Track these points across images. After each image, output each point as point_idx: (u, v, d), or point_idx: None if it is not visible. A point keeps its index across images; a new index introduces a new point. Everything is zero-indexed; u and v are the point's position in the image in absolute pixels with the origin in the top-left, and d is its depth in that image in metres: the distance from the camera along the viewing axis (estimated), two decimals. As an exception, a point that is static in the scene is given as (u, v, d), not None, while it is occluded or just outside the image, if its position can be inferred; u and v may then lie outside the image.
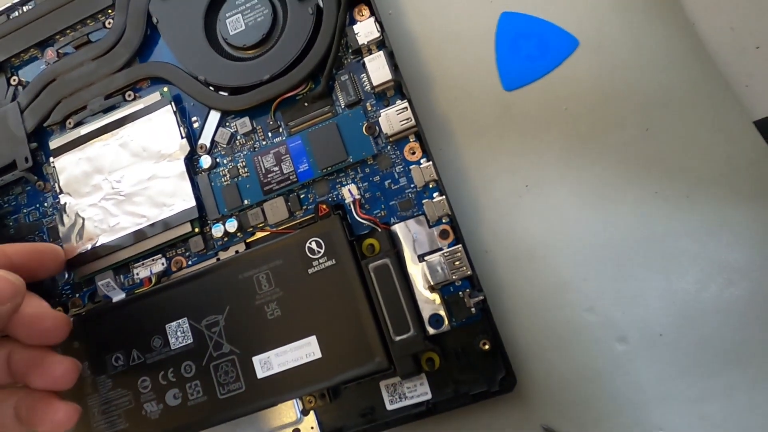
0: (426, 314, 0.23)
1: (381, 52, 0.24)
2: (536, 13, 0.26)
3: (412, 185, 0.24)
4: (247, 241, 0.26)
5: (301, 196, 0.25)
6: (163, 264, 0.26)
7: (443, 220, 0.23)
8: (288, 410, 0.25)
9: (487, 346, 0.22)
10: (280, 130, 0.26)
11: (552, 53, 0.25)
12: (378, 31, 0.24)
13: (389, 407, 0.24)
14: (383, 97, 0.25)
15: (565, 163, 0.24)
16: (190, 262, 0.26)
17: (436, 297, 0.23)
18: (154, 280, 0.26)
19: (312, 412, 0.24)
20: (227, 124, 0.26)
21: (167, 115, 0.26)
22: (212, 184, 0.26)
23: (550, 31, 0.26)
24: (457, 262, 0.23)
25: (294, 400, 0.25)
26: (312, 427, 0.24)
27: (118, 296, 0.26)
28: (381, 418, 0.24)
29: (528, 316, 0.23)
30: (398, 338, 0.23)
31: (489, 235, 0.24)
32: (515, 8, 0.26)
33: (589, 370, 0.22)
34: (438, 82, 0.26)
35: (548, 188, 0.24)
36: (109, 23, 0.28)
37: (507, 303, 0.24)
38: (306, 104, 0.25)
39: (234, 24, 0.26)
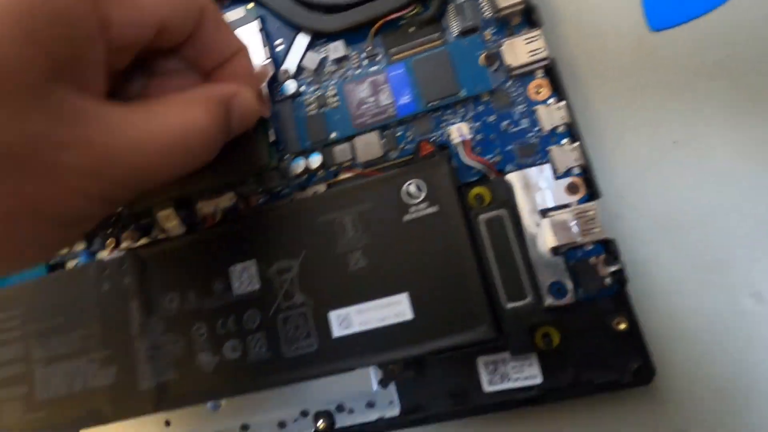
0: (545, 281, 0.19)
1: (513, -31, 0.20)
2: (696, -59, 0.22)
3: (535, 128, 0.20)
4: (329, 182, 0.22)
5: (398, 134, 0.22)
6: (231, 200, 0.23)
7: (574, 171, 0.20)
8: (363, 378, 0.21)
9: (623, 326, 0.18)
10: (378, 57, 0.22)
11: (714, -12, 0.21)
12: (508, -53, 0.21)
13: (487, 389, 0.20)
14: (506, 25, 0.21)
15: (727, 119, 0.20)
16: (261, 200, 0.23)
17: (559, 261, 0.19)
18: (219, 216, 0.23)
19: (392, 384, 0.21)
20: (316, 47, 0.23)
21: (252, 33, 0.23)
22: (295, 113, 0.23)
23: (713, -38, 0.21)
24: (589, 223, 0.19)
25: (372, 368, 0.21)
26: (390, 402, 0.20)
27: (177, 232, 0.23)
28: (476, 401, 0.20)
29: (670, 298, 0.19)
30: (510, 305, 0.19)
31: (622, 196, 0.20)
32: (670, -65, 0.22)
33: (747, 373, 0.18)
34: (566, 15, 0.22)
35: (703, 146, 0.20)
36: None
37: (642, 280, 0.19)
38: (412, 29, 0.22)
39: (337, -66, 0.23)
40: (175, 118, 0.15)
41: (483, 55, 0.21)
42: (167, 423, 0.23)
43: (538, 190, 0.20)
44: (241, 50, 0.18)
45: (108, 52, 0.14)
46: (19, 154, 0.12)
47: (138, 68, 0.17)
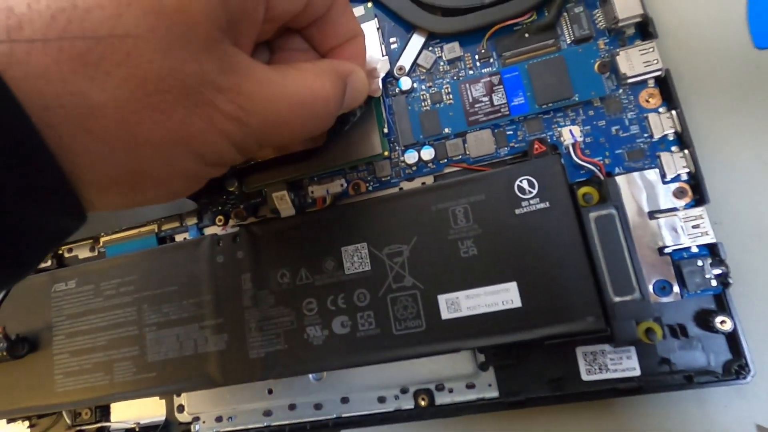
0: (651, 278, 0.20)
1: (631, -16, 0.22)
2: (805, -33, 0.23)
3: (645, 134, 0.21)
4: (436, 175, 0.24)
5: (509, 132, 0.23)
6: (342, 185, 0.24)
7: (681, 177, 0.21)
8: (464, 361, 0.22)
9: (726, 326, 0.19)
10: (491, 60, 0.24)
11: (822, 12, 0.22)
12: (627, -38, 0.22)
13: (585, 377, 0.21)
14: (620, 35, 0.22)
15: (831, 136, 0.21)
16: (370, 187, 0.24)
17: (665, 261, 0.20)
18: (329, 201, 0.24)
19: (491, 368, 0.22)
20: (431, 47, 0.25)
21: (370, 30, 0.25)
22: (409, 107, 0.24)
23: (821, -13, 0.22)
24: (697, 226, 0.20)
25: (473, 351, 0.22)
26: (489, 385, 0.22)
27: (288, 212, 0.25)
28: (573, 389, 0.21)
29: (760, 305, 0.20)
30: (618, 299, 0.20)
31: (722, 205, 0.21)
32: (778, -40, 0.23)
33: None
34: (672, 29, 0.23)
35: (807, 160, 0.21)
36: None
37: (739, 287, 0.20)
38: (527, 35, 0.23)
39: (457, -58, 0.24)
40: (307, 82, 0.17)
41: (598, 63, 0.22)
42: (270, 391, 0.25)
43: (645, 193, 0.21)
44: (359, 35, 0.20)
45: (263, 20, 0.16)
46: (189, 89, 0.13)
47: (265, 44, 0.19)
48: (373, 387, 0.23)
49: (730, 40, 0.23)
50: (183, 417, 0.26)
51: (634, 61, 0.21)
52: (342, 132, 0.23)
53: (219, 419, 0.25)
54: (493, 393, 0.22)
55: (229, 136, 0.15)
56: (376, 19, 0.25)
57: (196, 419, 0.26)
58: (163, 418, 0.27)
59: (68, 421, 0.27)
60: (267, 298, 0.24)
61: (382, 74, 0.24)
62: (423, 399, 0.22)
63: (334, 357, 0.22)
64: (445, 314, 0.21)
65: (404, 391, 0.23)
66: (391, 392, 0.23)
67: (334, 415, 0.24)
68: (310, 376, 0.24)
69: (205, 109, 0.14)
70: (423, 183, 0.24)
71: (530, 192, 0.21)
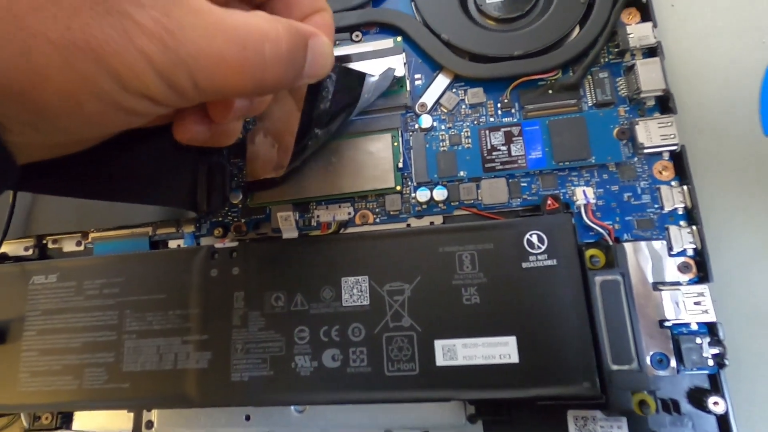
0: (649, 350, 0.20)
1: (657, 59, 0.22)
2: (817, 65, 0.24)
3: (656, 205, 0.22)
4: (445, 216, 0.24)
5: (522, 184, 0.23)
6: (349, 213, 0.24)
7: (687, 252, 0.21)
8: (453, 410, 0.22)
9: (719, 407, 0.19)
10: (513, 110, 0.24)
11: (830, 111, 0.23)
12: (654, 38, 0.23)
13: (574, 442, 0.21)
14: (640, 105, 0.23)
15: (831, 230, 0.22)
16: (377, 219, 0.24)
17: (665, 334, 0.20)
18: (333, 227, 0.24)
19: (480, 422, 0.21)
20: (455, 88, 0.25)
21: (397, 64, 0.25)
22: (427, 145, 0.24)
23: (831, 87, 0.24)
24: (698, 303, 0.20)
25: (463, 402, 0.22)
26: (476, 439, 0.21)
27: (290, 234, 0.24)
28: (561, 453, 0.21)
29: (751, 387, 0.20)
30: (616, 367, 0.20)
31: (718, 286, 0.22)
32: (793, 55, 0.24)
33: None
34: (687, 109, 0.24)
35: (807, 251, 0.21)
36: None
37: (731, 368, 0.21)
38: (550, 91, 0.24)
39: (493, -8, 0.25)
40: (255, 21, 0.15)
41: (617, 129, 0.22)
42: (247, 417, 0.23)
43: (651, 263, 0.21)
44: (325, 9, 0.19)
45: None
46: None
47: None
48: (356, 426, 0.22)
49: (742, 126, 0.24)
50: (149, 433, 0.25)
51: (652, 133, 0.22)
52: (318, 109, 0.20)
53: (189, 441, 0.24)
54: (479, 447, 0.21)
55: (150, 58, 0.13)
56: (404, 54, 0.25)
57: (163, 437, 0.25)
58: (129, 432, 0.25)
59: (25, 424, 0.26)
60: (258, 320, 0.23)
61: (387, 83, 0.24)
62: (406, 445, 0.22)
63: (320, 391, 0.22)
64: (440, 361, 0.21)
65: (387, 434, 0.22)
66: (374, 433, 0.22)
67: (311, 450, 0.23)
68: (292, 407, 0.23)
69: (119, 19, 0.12)
70: (431, 223, 0.24)
71: (539, 247, 0.21)
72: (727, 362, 0.19)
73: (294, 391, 0.22)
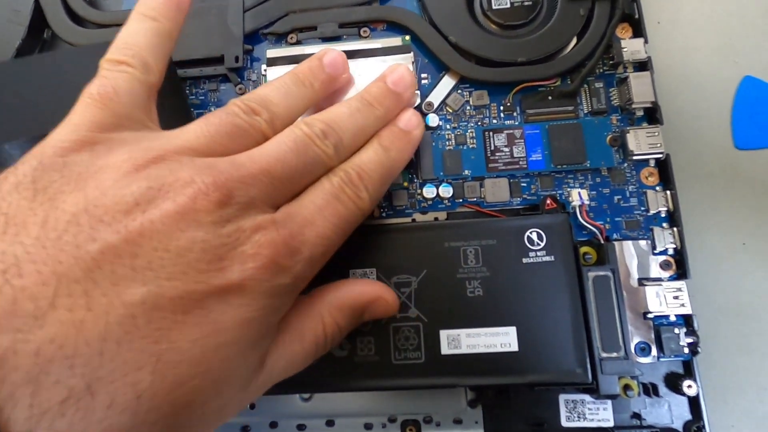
0: (634, 339, 0.22)
1: (648, 73, 0.24)
2: (780, 86, 0.27)
3: (642, 208, 0.24)
4: (449, 212, 0.25)
5: (523, 184, 0.24)
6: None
7: (669, 251, 0.23)
8: (454, 396, 0.23)
9: (692, 390, 0.22)
10: (515, 114, 0.25)
11: (789, 128, 0.26)
12: (645, 53, 0.25)
13: (565, 424, 0.22)
14: (630, 115, 0.25)
15: (788, 234, 0.24)
16: (384, 213, 0.25)
17: (648, 325, 0.22)
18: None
19: (480, 406, 0.23)
20: (460, 90, 0.26)
21: (405, 62, 0.25)
22: (433, 144, 0.25)
23: (791, 106, 0.26)
24: (677, 297, 0.22)
25: (464, 389, 0.23)
26: (476, 422, 0.23)
27: (296, 226, 0.24)
28: (553, 433, 0.22)
29: (722, 373, 0.23)
30: (605, 355, 0.22)
31: (694, 281, 0.24)
32: (760, 75, 0.27)
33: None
34: (673, 119, 0.26)
35: (766, 250, 0.24)
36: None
37: (702, 355, 0.23)
38: (550, 98, 0.25)
39: (499, 0, 0.26)
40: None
41: (610, 137, 0.24)
42: (252, 406, 0.24)
43: (636, 260, 0.23)
44: None
45: None
46: None
47: None
48: (361, 413, 0.23)
49: (717, 138, 0.26)
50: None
51: (641, 141, 0.24)
52: None
53: (190, 430, 0.24)
54: (479, 431, 0.23)
55: None
56: (412, 53, 0.26)
57: (160, 427, 0.25)
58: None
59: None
60: (265, 311, 0.23)
61: (412, 105, 0.25)
62: (411, 430, 0.23)
63: (329, 379, 0.22)
64: (445, 350, 0.22)
65: (392, 420, 0.23)
66: (378, 420, 0.23)
67: (315, 437, 0.24)
68: (298, 395, 0.24)
69: None
70: (436, 218, 0.25)
71: (538, 244, 0.23)
72: (700, 350, 0.22)
73: (302, 379, 0.22)
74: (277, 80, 0.20)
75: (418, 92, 0.25)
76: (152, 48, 0.19)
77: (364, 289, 0.21)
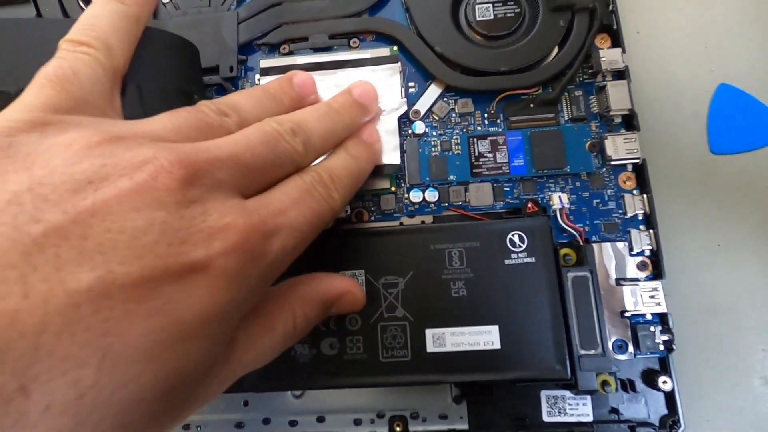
0: (611, 337, 0.23)
1: (625, 81, 0.25)
2: (754, 92, 0.28)
3: (620, 211, 0.25)
4: (435, 216, 0.26)
5: (506, 189, 0.25)
6: (346, 211, 0.26)
7: (645, 252, 0.24)
8: (440, 392, 0.24)
9: (667, 385, 0.23)
10: (498, 121, 0.26)
11: (763, 133, 0.27)
12: (623, 63, 0.26)
13: (546, 418, 0.23)
14: (609, 122, 0.26)
15: (762, 235, 0.25)
16: (372, 217, 0.26)
17: (624, 323, 0.23)
18: (331, 224, 0.25)
19: (465, 402, 0.24)
20: (446, 98, 0.27)
21: (393, 72, 0.26)
22: (420, 150, 0.26)
23: (764, 113, 0.27)
24: (653, 297, 0.23)
25: (449, 385, 0.24)
26: (461, 417, 0.23)
27: (288, 229, 0.25)
28: (535, 427, 0.23)
29: (697, 369, 0.24)
30: (584, 352, 0.22)
31: (671, 281, 0.25)
32: (735, 82, 0.28)
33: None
34: (650, 125, 0.27)
35: (741, 253, 0.25)
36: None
37: (677, 352, 0.24)
38: (532, 105, 0.26)
39: (482, 11, 0.27)
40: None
41: (589, 143, 0.25)
42: (245, 403, 0.25)
43: (614, 261, 0.24)
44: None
45: None
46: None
47: None
48: (351, 409, 0.24)
49: (693, 144, 0.27)
50: (142, 421, 0.25)
51: (618, 147, 0.25)
52: None
53: (187, 427, 0.25)
54: (464, 425, 0.24)
55: None
56: (399, 63, 0.27)
57: (157, 424, 0.25)
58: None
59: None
60: (258, 311, 0.24)
61: (399, 113, 0.26)
62: (398, 425, 0.24)
63: (319, 376, 0.23)
64: (431, 348, 0.23)
65: (380, 416, 0.24)
66: (367, 416, 0.24)
67: (308, 433, 0.25)
68: (290, 392, 0.25)
69: None
70: (422, 221, 0.26)
71: (520, 246, 0.24)
72: (674, 347, 0.23)
73: (293, 377, 0.23)
74: (248, 90, 0.20)
75: (405, 100, 0.26)
76: (117, 32, 0.18)
77: (334, 283, 0.21)
